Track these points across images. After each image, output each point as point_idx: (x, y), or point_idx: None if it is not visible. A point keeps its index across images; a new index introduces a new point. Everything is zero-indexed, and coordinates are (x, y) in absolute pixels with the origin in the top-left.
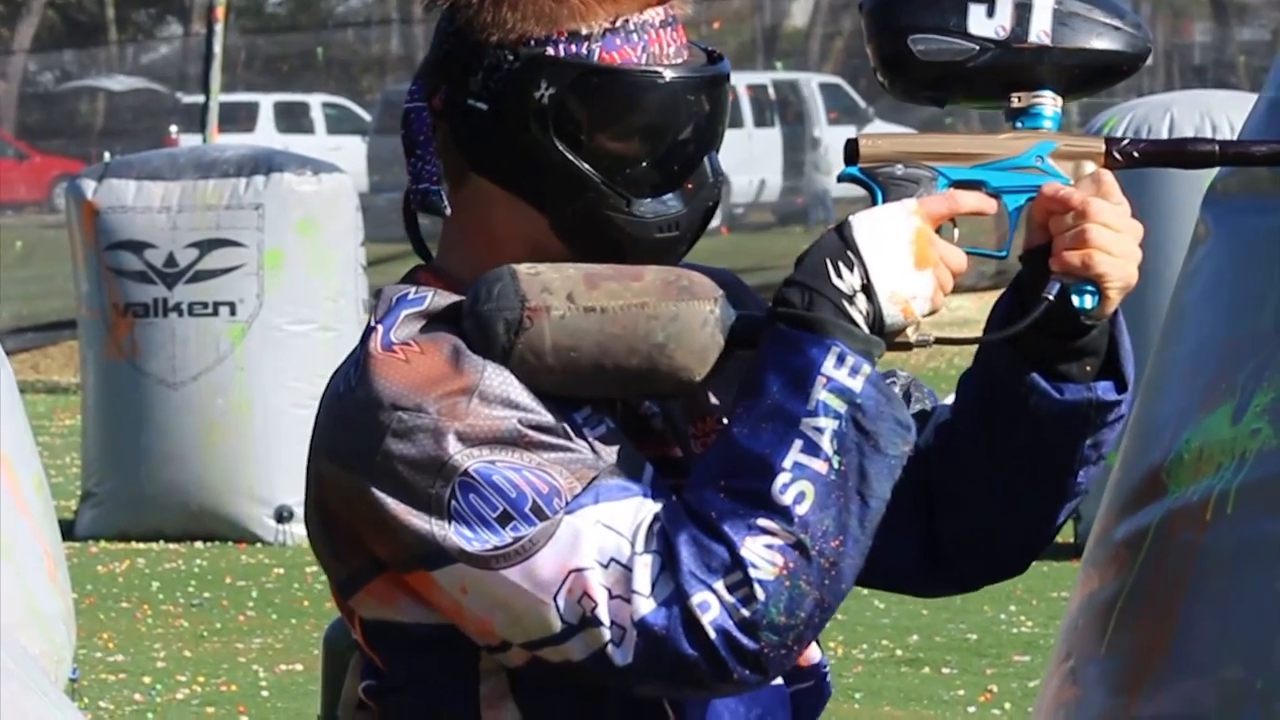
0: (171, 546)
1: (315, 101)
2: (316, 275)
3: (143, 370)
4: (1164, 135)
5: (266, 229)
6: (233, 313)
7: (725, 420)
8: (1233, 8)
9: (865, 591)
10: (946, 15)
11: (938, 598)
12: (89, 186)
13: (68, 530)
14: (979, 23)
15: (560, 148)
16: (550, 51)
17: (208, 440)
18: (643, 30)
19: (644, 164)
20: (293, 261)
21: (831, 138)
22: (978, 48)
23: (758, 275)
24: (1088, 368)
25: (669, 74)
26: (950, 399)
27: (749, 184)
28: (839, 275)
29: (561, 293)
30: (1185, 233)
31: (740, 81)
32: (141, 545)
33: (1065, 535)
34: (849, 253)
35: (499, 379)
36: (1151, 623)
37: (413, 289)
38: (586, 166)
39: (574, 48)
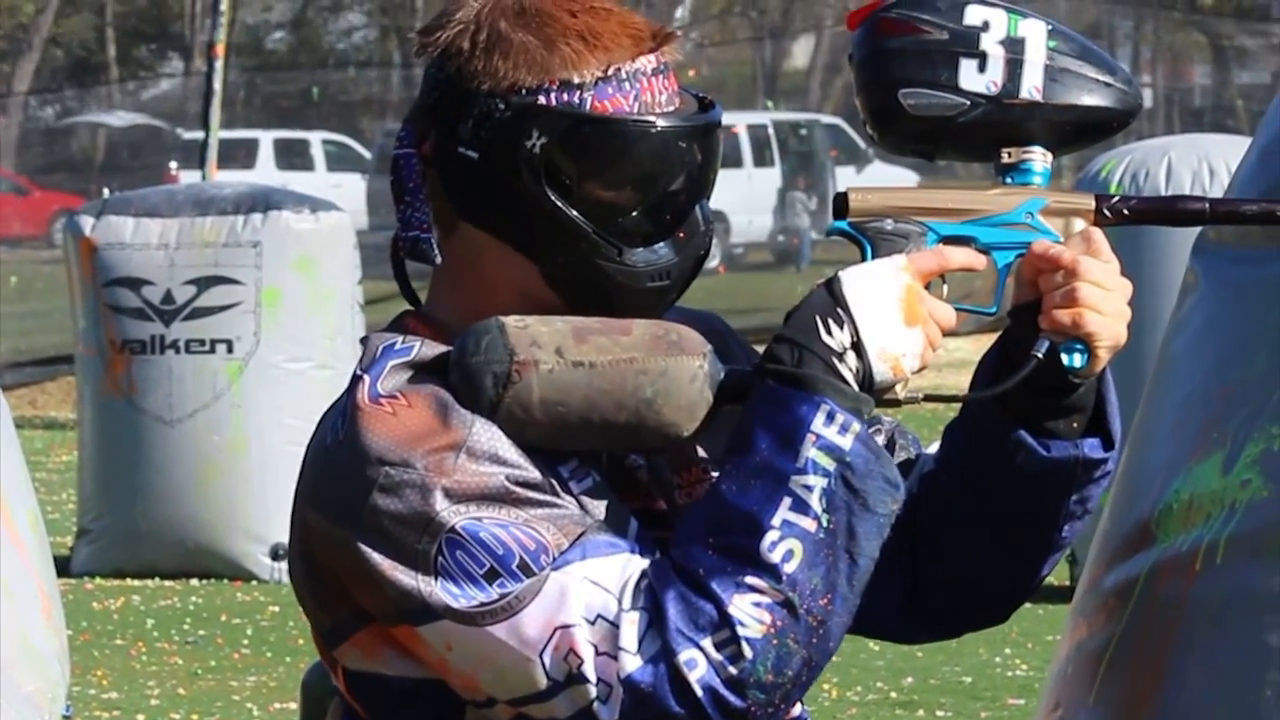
0: (167, 584)
1: (315, 139)
2: (314, 313)
3: (139, 407)
4: (1161, 179)
5: (264, 267)
6: (230, 350)
7: (711, 470)
8: (1232, 51)
9: None
10: (938, 70)
11: (918, 644)
12: (87, 223)
13: (63, 566)
14: (970, 78)
15: (551, 197)
16: (542, 100)
17: (204, 478)
18: (635, 79)
19: (636, 213)
20: (290, 299)
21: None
22: (969, 103)
23: (755, 316)
24: (1074, 424)
25: (661, 123)
26: (934, 447)
27: (748, 224)
28: (829, 332)
29: (550, 347)
30: (1175, 281)
31: (740, 121)
32: (137, 582)
33: (1061, 579)
34: (839, 309)
35: (487, 434)
36: (1140, 673)
37: (400, 338)
38: (578, 216)
39: (566, 96)
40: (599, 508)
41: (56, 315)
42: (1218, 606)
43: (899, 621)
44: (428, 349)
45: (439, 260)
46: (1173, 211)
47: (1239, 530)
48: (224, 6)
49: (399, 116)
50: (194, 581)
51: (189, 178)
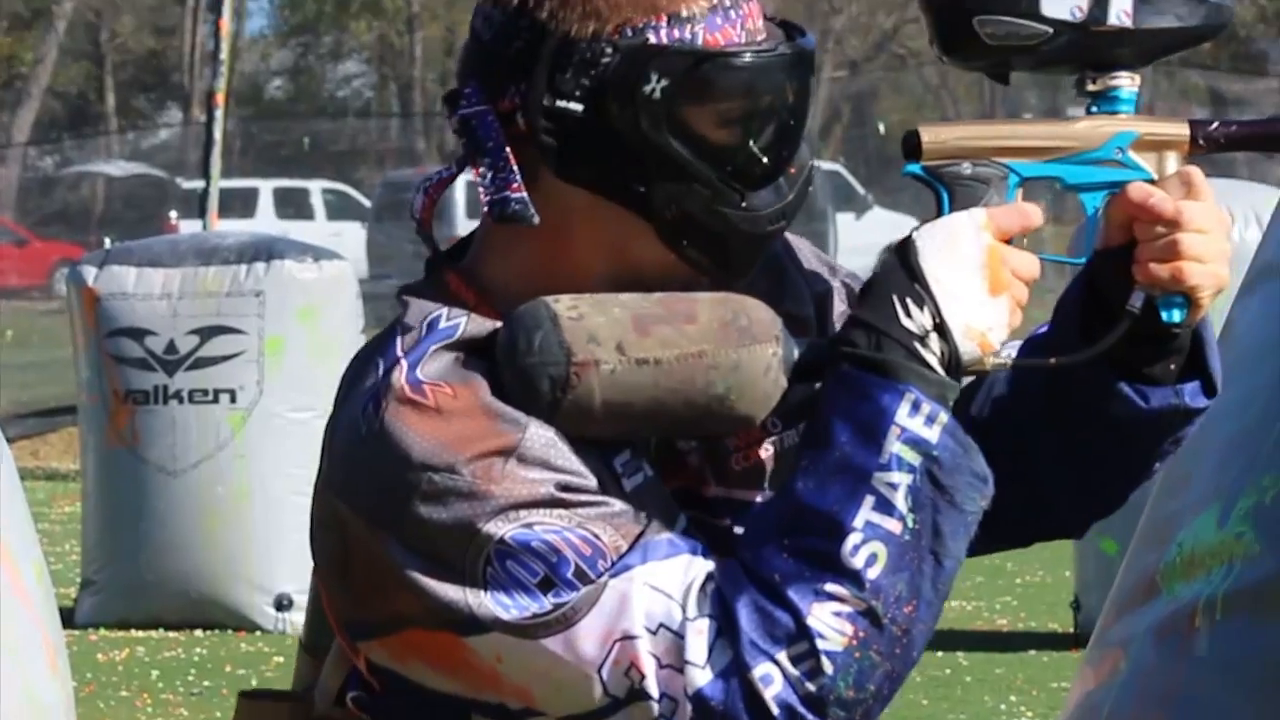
0: (171, 634)
1: (315, 188)
2: (317, 362)
3: (143, 457)
4: None
5: (267, 316)
6: (233, 400)
7: (770, 429)
8: (1231, 97)
9: None
10: None
11: (987, 555)
12: (90, 273)
13: (67, 618)
14: (1053, 4)
15: (675, 145)
16: (653, 39)
17: (208, 528)
18: (737, 6)
19: (756, 152)
20: (293, 349)
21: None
22: (1052, 30)
23: None
24: (1171, 367)
25: (781, 50)
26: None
27: None
28: (908, 314)
29: (610, 343)
30: None
31: None
32: (141, 633)
33: (1065, 625)
34: (917, 286)
35: (541, 439)
36: None
37: (443, 311)
38: (701, 163)
39: (677, 33)
40: (649, 504)
41: (56, 366)
42: (1216, 663)
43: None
44: (474, 325)
45: (536, 220)
46: (1272, 135)
47: (1237, 586)
48: (224, 55)
49: (398, 165)
50: (198, 632)
51: (189, 227)
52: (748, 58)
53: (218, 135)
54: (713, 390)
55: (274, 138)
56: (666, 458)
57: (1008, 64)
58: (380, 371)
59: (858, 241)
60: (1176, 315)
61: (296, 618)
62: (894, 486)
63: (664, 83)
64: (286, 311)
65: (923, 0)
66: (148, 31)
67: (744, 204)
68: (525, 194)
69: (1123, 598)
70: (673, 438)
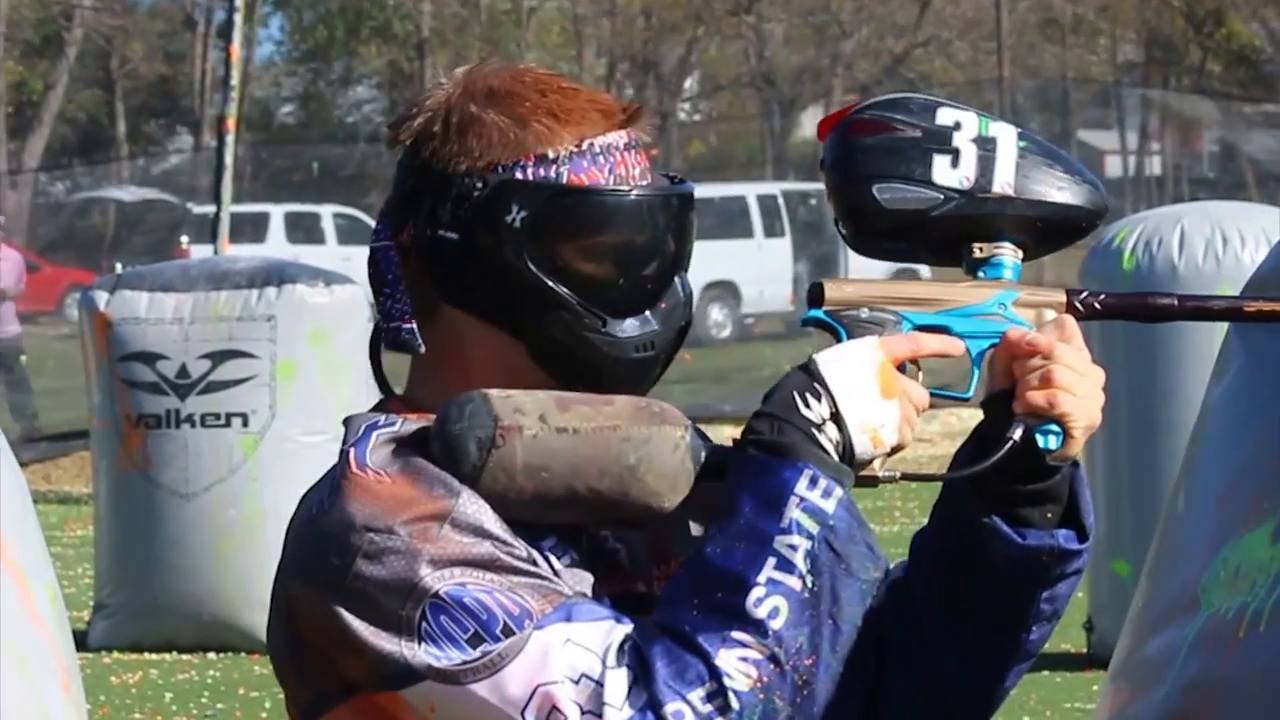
0: (184, 657)
1: (326, 212)
2: (329, 386)
3: (155, 481)
4: (1175, 246)
5: (279, 340)
6: (245, 424)
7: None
8: (1241, 118)
9: None
10: (912, 165)
11: None
12: (101, 298)
13: (80, 641)
14: (944, 172)
15: (534, 270)
16: (519, 175)
17: (220, 551)
18: (608, 153)
19: (618, 283)
20: (305, 372)
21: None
22: (943, 197)
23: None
24: (1049, 514)
25: (637, 192)
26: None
27: (759, 294)
28: (807, 405)
29: (534, 413)
30: (1196, 351)
31: (750, 191)
32: (154, 656)
33: (1079, 646)
34: (815, 384)
35: (473, 507)
36: None
37: (380, 417)
38: (562, 288)
39: (542, 171)
40: (577, 583)
41: (69, 391)
42: (1260, 673)
43: None
44: (411, 424)
45: (422, 349)
46: (1142, 307)
47: None
48: (234, 80)
49: None
50: (211, 655)
51: (200, 252)
52: (602, 195)
53: (229, 160)
54: (625, 460)
55: (285, 163)
56: (600, 561)
57: (906, 235)
58: (334, 468)
59: (866, 262)
60: (1052, 442)
61: None
62: (794, 548)
63: (523, 213)
64: (298, 335)
65: (828, 182)
66: (158, 58)
67: (606, 329)
68: (414, 325)
69: (1155, 614)
70: (590, 521)
